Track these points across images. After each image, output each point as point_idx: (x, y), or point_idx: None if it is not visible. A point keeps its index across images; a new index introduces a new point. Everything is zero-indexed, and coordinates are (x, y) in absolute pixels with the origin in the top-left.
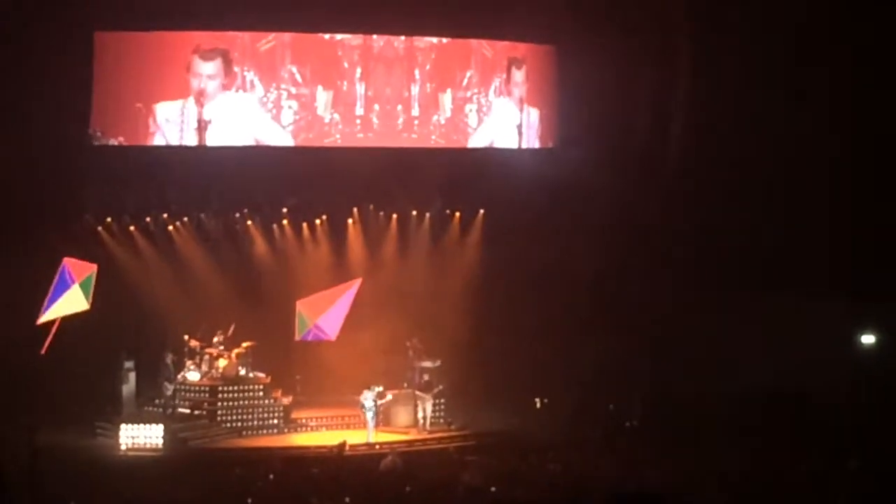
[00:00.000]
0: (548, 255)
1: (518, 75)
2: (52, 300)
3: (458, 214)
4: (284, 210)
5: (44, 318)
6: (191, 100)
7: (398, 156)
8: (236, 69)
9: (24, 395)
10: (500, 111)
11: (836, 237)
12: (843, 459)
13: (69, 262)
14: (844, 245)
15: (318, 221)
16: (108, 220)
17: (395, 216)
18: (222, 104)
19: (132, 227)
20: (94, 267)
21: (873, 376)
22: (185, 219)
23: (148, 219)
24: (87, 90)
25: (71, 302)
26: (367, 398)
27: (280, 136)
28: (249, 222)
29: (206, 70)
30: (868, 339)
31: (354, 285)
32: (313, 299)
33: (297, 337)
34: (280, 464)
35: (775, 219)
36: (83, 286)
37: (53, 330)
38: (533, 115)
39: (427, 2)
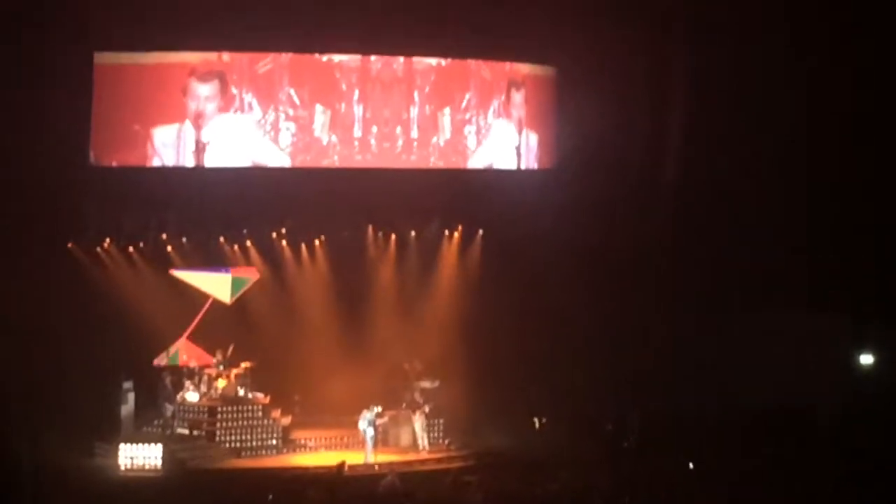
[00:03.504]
0: (547, 277)
1: (517, 97)
2: (199, 269)
3: (457, 235)
4: (282, 231)
5: (178, 273)
6: (188, 123)
7: (397, 177)
8: (234, 91)
9: (22, 414)
10: (498, 133)
11: (837, 258)
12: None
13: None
14: (844, 266)
15: (316, 242)
16: (107, 241)
17: (393, 237)
18: (220, 126)
19: (130, 249)
20: (257, 275)
21: (872, 395)
22: (184, 240)
23: (146, 240)
24: (86, 112)
25: (216, 284)
26: (366, 419)
27: (278, 158)
28: (248, 243)
29: (204, 92)
30: (867, 359)
31: None
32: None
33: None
34: (279, 484)
35: (775, 239)
36: (236, 281)
37: (187, 332)
38: (532, 136)
39: (425, 23)
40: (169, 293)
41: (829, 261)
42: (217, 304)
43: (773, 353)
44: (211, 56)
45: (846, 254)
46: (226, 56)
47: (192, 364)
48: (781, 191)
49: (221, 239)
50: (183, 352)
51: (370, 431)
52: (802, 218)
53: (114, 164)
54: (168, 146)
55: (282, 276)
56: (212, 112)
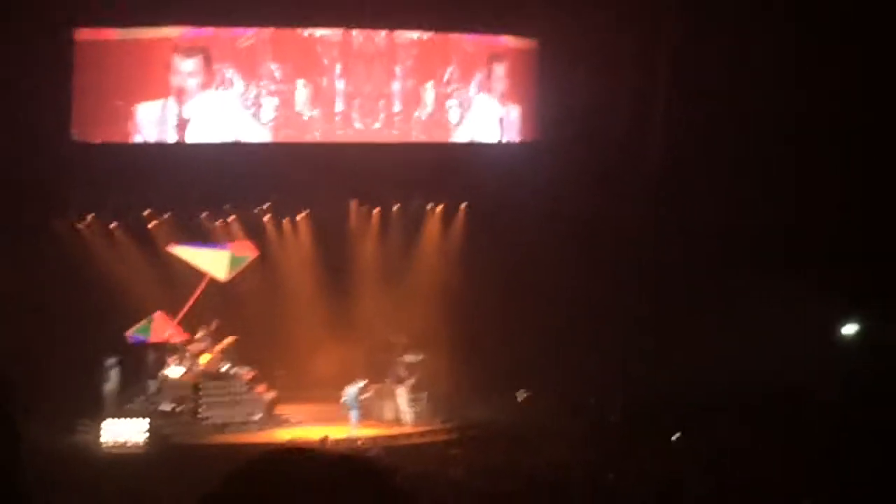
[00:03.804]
0: (531, 249)
1: (499, 70)
2: (196, 244)
3: (440, 209)
4: (265, 206)
5: (175, 249)
6: (171, 99)
7: (379, 151)
8: (216, 66)
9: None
10: (481, 106)
11: (827, 233)
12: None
13: (231, 242)
14: (831, 237)
15: (299, 217)
16: (89, 217)
17: (377, 211)
18: (202, 102)
19: (113, 225)
20: (256, 252)
21: (859, 367)
22: (166, 216)
23: (129, 216)
24: (67, 88)
25: (212, 261)
26: (350, 393)
27: (259, 133)
28: (230, 219)
29: (186, 67)
30: (853, 329)
31: None
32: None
33: (131, 333)
34: None
35: (760, 213)
36: (234, 259)
37: (185, 310)
38: (514, 109)
39: None
40: (152, 269)
41: (819, 236)
42: (197, 283)
43: (761, 328)
44: (193, 31)
45: (837, 229)
46: (208, 31)
47: (176, 340)
48: (769, 165)
49: (204, 214)
50: (155, 325)
51: (354, 405)
52: (791, 192)
53: (96, 140)
54: (150, 122)
55: (265, 250)
56: (194, 87)
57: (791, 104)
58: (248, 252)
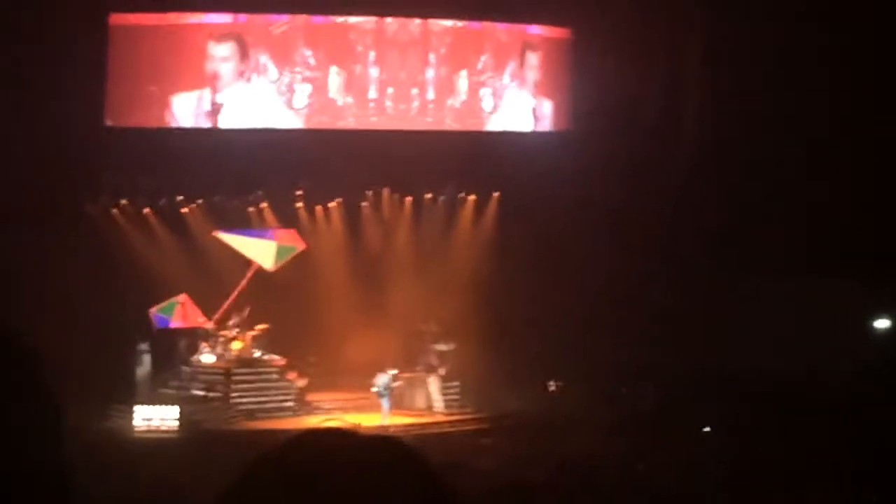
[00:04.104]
0: (562, 240)
1: (532, 59)
2: (243, 232)
3: (472, 197)
4: (298, 193)
5: (221, 235)
6: (206, 88)
7: (412, 139)
8: (250, 52)
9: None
10: (514, 95)
11: (853, 221)
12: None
13: (278, 230)
14: (861, 229)
15: (332, 204)
16: (123, 202)
17: (409, 199)
18: (236, 87)
19: (147, 210)
20: (303, 245)
21: (888, 361)
22: (200, 201)
23: (162, 201)
24: (101, 73)
25: (259, 250)
26: (382, 381)
27: (292, 120)
28: (263, 205)
29: (220, 53)
30: (883, 323)
31: None
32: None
33: (154, 311)
34: None
35: (791, 202)
36: (281, 249)
37: (231, 299)
38: (547, 98)
39: None
40: (185, 254)
41: (843, 225)
42: (236, 265)
43: (789, 319)
44: (227, 17)
45: (862, 219)
46: (242, 17)
47: (207, 326)
48: (800, 154)
49: (237, 200)
50: (180, 310)
51: (385, 394)
52: (822, 181)
53: (130, 125)
54: (184, 107)
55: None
56: (227, 73)
57: (828, 82)
58: (295, 243)
